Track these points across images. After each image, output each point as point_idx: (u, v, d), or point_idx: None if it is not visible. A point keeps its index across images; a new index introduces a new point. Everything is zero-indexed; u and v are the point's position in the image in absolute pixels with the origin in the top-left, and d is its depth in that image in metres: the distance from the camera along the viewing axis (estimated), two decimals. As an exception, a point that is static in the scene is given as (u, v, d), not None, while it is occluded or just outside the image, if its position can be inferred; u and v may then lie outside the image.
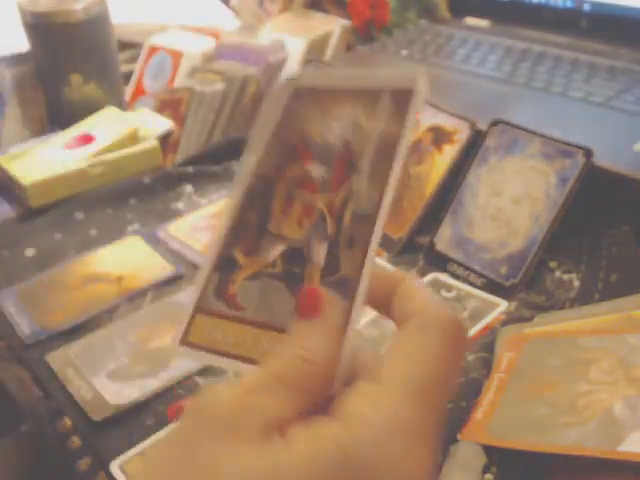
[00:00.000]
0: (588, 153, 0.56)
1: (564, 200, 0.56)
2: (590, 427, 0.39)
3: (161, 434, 0.46)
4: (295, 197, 0.31)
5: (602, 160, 0.57)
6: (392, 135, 0.30)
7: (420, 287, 0.28)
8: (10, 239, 0.69)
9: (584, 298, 0.55)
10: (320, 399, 0.24)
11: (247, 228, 0.31)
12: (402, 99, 0.31)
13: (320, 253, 0.29)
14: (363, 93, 0.31)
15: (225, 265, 0.31)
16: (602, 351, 0.45)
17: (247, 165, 0.32)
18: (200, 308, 0.31)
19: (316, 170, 0.31)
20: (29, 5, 0.82)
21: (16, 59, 0.86)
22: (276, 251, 0.30)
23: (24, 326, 0.57)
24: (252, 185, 0.32)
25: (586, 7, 0.85)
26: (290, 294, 0.29)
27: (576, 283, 0.57)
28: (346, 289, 0.28)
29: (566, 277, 0.58)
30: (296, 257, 0.30)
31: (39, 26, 0.82)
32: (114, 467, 0.44)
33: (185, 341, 0.30)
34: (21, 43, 0.85)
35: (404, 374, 0.24)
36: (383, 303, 0.29)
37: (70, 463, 0.42)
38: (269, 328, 0.29)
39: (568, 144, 0.57)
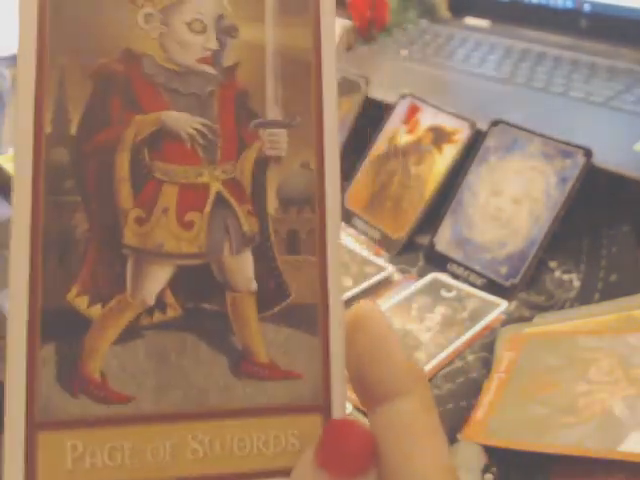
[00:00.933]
0: (588, 153, 0.56)
1: (564, 200, 0.56)
2: (590, 427, 0.39)
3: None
4: (155, 174, 0.18)
5: (602, 160, 0.57)
6: (301, 46, 0.19)
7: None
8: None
9: (584, 298, 0.55)
10: None
11: (76, 246, 0.17)
12: None
13: (243, 270, 0.18)
14: None
15: (60, 327, 0.17)
16: (602, 351, 0.45)
17: (24, 125, 0.17)
18: (40, 421, 0.17)
19: (180, 120, 0.18)
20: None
21: (16, 59, 0.86)
22: (156, 281, 0.18)
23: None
24: (56, 163, 0.17)
25: (586, 7, 0.85)
26: (212, 350, 0.18)
27: (576, 283, 0.57)
28: (309, 324, 0.18)
29: (566, 277, 0.58)
30: (200, 284, 0.18)
31: (39, 26, 0.82)
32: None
33: None
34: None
35: None
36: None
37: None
38: (192, 419, 0.17)
39: (568, 144, 0.57)
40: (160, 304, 0.18)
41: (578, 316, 0.51)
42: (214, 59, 0.18)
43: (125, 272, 0.17)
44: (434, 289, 0.58)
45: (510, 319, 0.54)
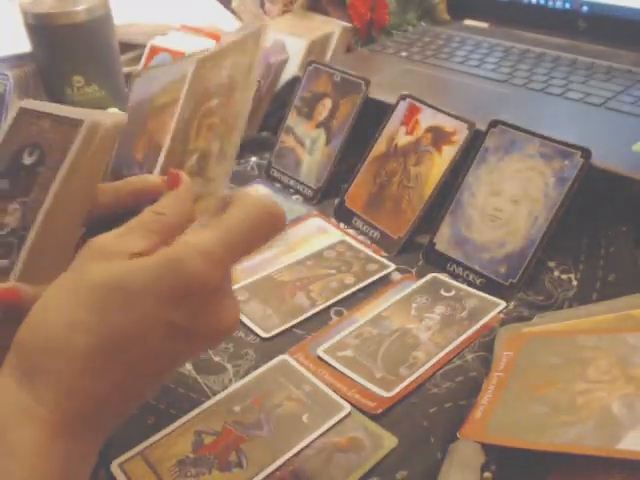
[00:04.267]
0: (586, 153, 0.56)
1: (562, 200, 0.56)
2: (588, 425, 0.39)
3: (161, 434, 0.46)
4: None
5: (600, 160, 0.57)
6: None
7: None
8: (12, 239, 0.69)
9: (582, 298, 0.55)
10: (169, 238, 0.33)
11: None
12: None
13: None
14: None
15: None
16: (600, 350, 0.45)
17: None
18: None
19: None
20: (31, 6, 0.82)
21: (18, 60, 0.87)
22: None
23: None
24: None
25: (584, 8, 0.85)
26: None
27: (575, 283, 0.57)
28: None
29: (565, 277, 0.58)
30: None
31: (41, 27, 0.82)
32: (114, 467, 0.44)
33: None
34: (23, 44, 0.86)
35: (225, 227, 0.33)
36: None
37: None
38: None
39: (566, 145, 0.58)
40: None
41: (577, 315, 0.51)
42: None
43: None
44: (433, 289, 0.59)
45: (509, 318, 0.54)
